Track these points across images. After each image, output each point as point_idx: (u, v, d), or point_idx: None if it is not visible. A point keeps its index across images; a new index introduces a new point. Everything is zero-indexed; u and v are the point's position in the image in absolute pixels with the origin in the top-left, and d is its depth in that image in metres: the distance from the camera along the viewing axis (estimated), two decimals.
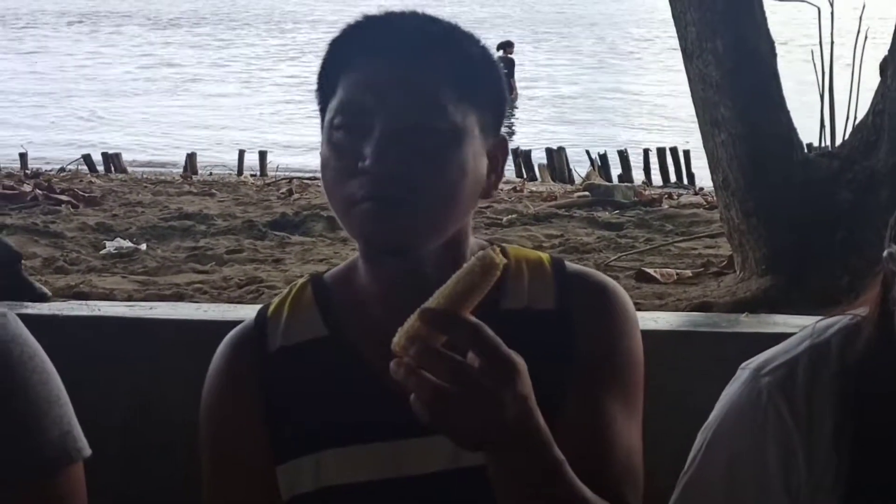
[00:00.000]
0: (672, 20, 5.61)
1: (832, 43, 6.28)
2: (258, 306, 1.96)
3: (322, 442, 1.72)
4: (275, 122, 22.73)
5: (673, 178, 14.70)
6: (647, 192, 9.96)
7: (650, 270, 6.22)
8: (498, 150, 1.80)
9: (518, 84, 25.13)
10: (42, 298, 2.96)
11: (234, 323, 1.94)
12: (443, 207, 1.69)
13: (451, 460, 1.64)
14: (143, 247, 6.63)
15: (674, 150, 14.33)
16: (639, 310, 2.04)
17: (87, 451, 1.83)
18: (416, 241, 1.69)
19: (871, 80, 6.05)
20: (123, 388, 2.33)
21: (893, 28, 5.54)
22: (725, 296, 5.52)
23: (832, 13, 6.23)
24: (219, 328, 2.01)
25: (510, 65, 25.91)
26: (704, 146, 5.75)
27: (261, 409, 1.77)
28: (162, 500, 2.29)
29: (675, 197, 10.61)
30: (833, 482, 1.64)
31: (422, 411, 1.41)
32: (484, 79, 1.76)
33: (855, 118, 6.13)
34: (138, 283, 5.87)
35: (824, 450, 1.64)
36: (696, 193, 11.45)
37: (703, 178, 13.88)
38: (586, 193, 8.74)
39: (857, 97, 6.30)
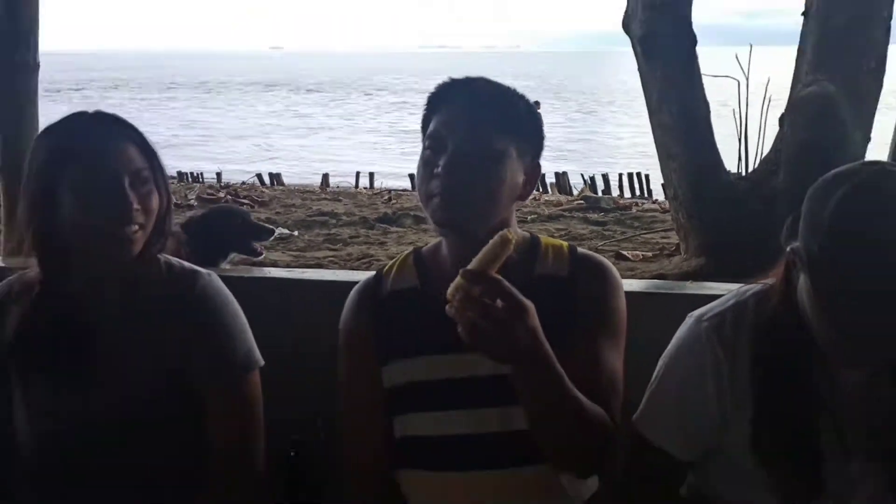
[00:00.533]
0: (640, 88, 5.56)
1: (747, 104, 6.24)
2: (371, 272, 1.98)
3: (410, 352, 1.76)
4: (377, 153, 22.77)
5: (637, 192, 14.58)
6: (621, 201, 9.82)
7: (625, 252, 6.18)
8: (532, 170, 1.79)
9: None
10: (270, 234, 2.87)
11: (354, 283, 1.97)
12: (486, 202, 1.71)
13: (493, 368, 1.61)
14: (296, 233, 6.64)
15: (639, 174, 14.19)
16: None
17: (262, 362, 1.86)
18: (468, 223, 1.71)
19: (771, 130, 6.03)
20: (284, 327, 2.30)
21: (788, 91, 5.55)
22: (675, 269, 5.47)
23: (747, 83, 6.17)
24: (345, 286, 2.02)
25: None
26: (662, 171, 5.71)
27: (375, 330, 1.82)
28: (304, 398, 2.25)
29: (640, 205, 10.51)
30: (748, 405, 1.64)
31: (465, 337, 1.44)
32: (523, 120, 1.77)
33: (760, 155, 6.05)
34: (293, 257, 5.91)
35: (744, 380, 1.64)
36: (653, 203, 11.32)
37: (658, 192, 13.95)
38: (582, 202, 8.65)
39: (762, 140, 6.24)
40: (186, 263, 1.89)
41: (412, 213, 7.24)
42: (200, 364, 1.77)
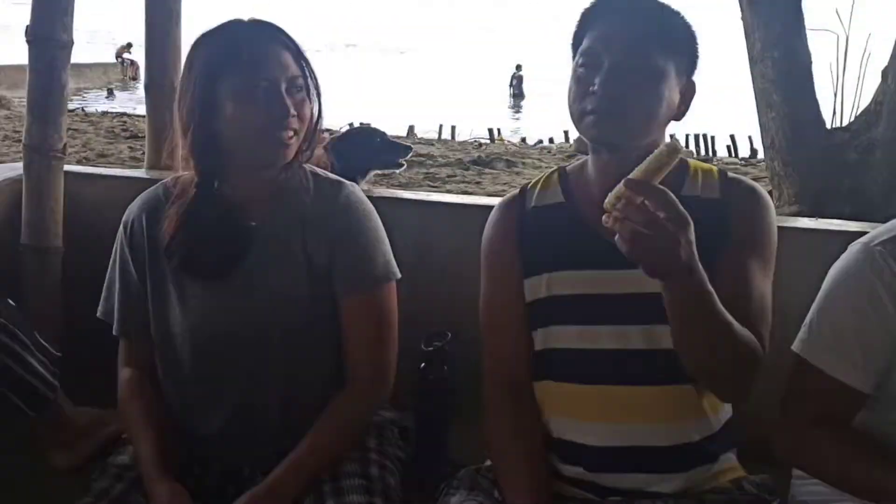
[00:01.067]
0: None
1: (845, 59, 6.17)
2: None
3: (554, 265, 1.70)
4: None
5: (703, 153, 14.67)
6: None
7: None
8: (688, 89, 1.69)
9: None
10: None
11: (480, 206, 2.03)
12: (643, 120, 1.63)
13: (638, 287, 1.53)
14: (400, 169, 6.79)
15: (704, 136, 14.26)
16: None
17: (399, 275, 1.84)
18: (623, 141, 1.63)
19: (869, 84, 5.99)
20: (408, 242, 2.20)
21: (893, 46, 5.50)
22: None
23: (847, 38, 6.10)
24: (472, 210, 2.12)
25: (520, 80, 27.89)
26: (759, 121, 5.75)
27: (518, 243, 1.76)
28: (432, 314, 2.25)
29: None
30: None
31: (624, 248, 1.37)
32: (681, 37, 1.68)
33: (856, 109, 6.02)
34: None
35: None
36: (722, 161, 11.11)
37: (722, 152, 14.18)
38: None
39: (860, 95, 6.19)
40: (331, 174, 1.92)
41: (504, 157, 7.33)
42: (343, 270, 1.78)
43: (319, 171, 1.89)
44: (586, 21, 1.68)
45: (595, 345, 1.67)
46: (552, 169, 1.88)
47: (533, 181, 1.83)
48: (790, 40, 5.39)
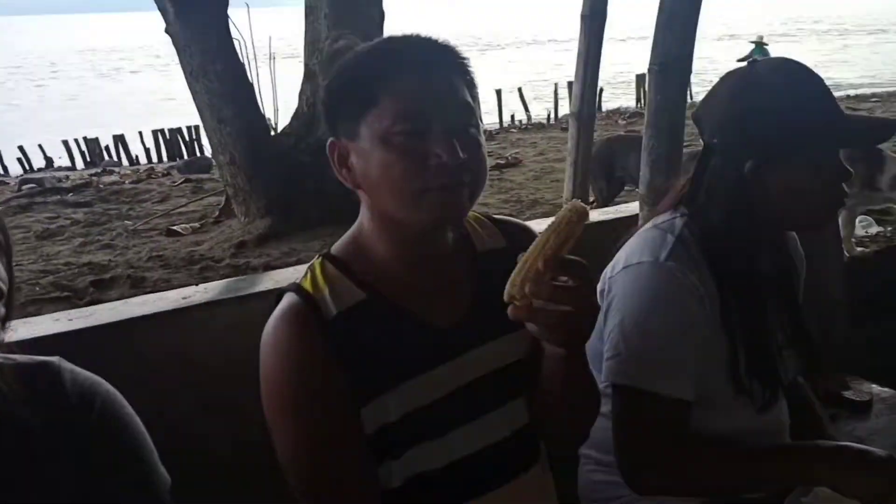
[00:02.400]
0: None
1: (256, 62, 6.13)
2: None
3: (397, 378, 1.39)
4: None
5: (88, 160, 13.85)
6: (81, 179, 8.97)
7: (176, 227, 5.82)
8: None
9: None
10: None
11: None
12: (482, 187, 1.42)
13: (492, 363, 1.44)
14: None
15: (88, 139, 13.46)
16: None
17: None
18: (465, 215, 1.41)
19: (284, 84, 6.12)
20: None
21: (305, 50, 5.67)
22: (245, 234, 5.35)
23: (252, 43, 6.05)
24: None
25: None
26: (211, 137, 5.50)
27: (335, 364, 1.37)
28: None
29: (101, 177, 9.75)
30: (719, 327, 1.66)
31: (545, 334, 1.25)
32: (476, 85, 1.46)
33: (276, 110, 6.10)
34: None
35: (711, 294, 1.64)
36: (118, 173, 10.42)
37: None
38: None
39: (275, 97, 6.25)
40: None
41: None
42: None
43: None
44: (378, 77, 1.34)
45: (464, 450, 1.44)
46: (315, 262, 1.46)
47: (307, 283, 1.42)
48: (228, 52, 5.19)
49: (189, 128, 14.64)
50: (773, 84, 1.63)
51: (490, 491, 1.46)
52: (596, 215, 2.81)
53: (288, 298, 1.37)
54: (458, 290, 1.42)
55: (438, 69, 1.34)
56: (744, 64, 1.72)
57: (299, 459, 1.36)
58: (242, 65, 5.31)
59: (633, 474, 1.63)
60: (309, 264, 1.44)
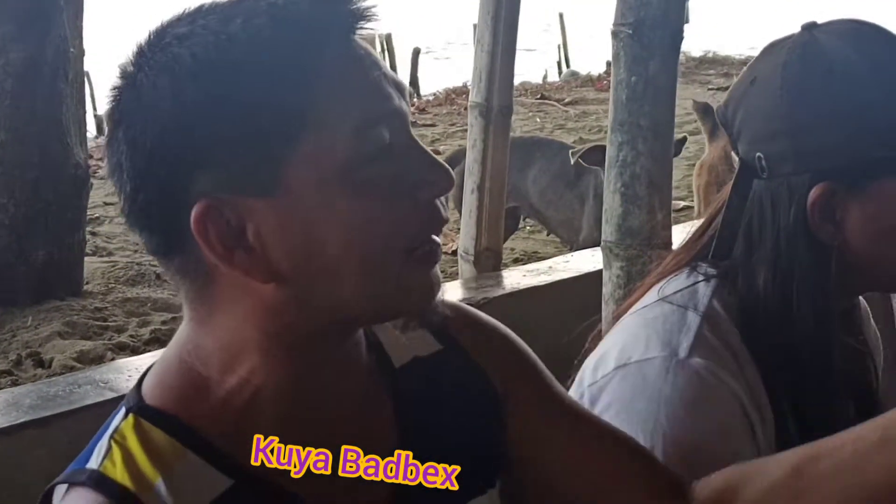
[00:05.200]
0: None
1: None
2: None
3: None
4: None
5: None
6: None
7: None
8: None
9: None
10: None
11: None
12: None
13: None
14: None
15: None
16: None
17: None
18: None
19: None
20: None
21: None
22: None
23: None
24: None
25: None
26: None
27: None
28: None
29: None
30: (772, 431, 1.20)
31: None
32: None
33: None
34: None
35: (759, 405, 1.16)
36: None
37: None
38: None
39: None
40: None
41: None
42: None
43: None
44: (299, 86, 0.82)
45: None
46: (125, 430, 0.82)
47: (118, 473, 0.80)
48: None
49: None
50: (847, 63, 1.09)
51: None
52: (517, 277, 2.09)
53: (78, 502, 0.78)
54: (376, 438, 0.90)
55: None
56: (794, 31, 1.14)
57: None
58: None
59: None
60: (107, 431, 0.82)
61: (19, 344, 4.07)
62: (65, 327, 4.17)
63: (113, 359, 3.61)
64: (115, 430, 0.80)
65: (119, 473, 0.78)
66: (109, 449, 0.79)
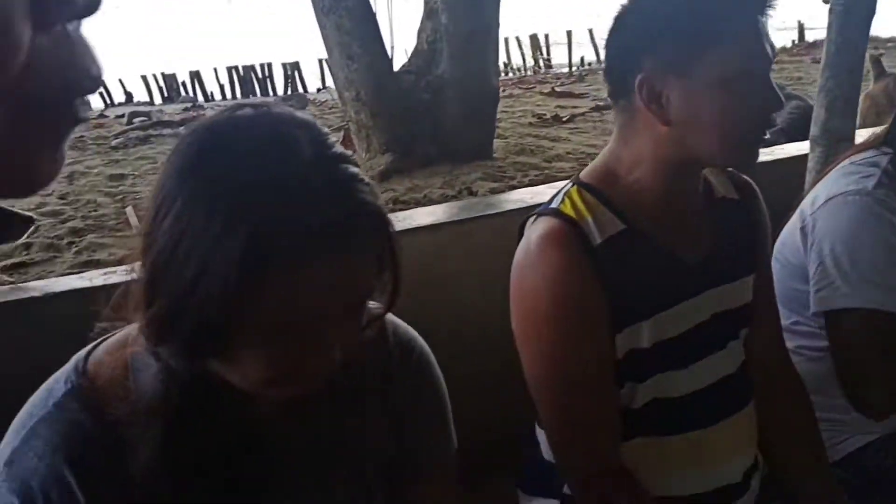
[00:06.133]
0: None
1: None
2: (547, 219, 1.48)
3: (652, 308, 1.44)
4: None
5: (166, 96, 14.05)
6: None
7: None
8: None
9: None
10: None
11: None
12: None
13: (719, 304, 1.51)
14: None
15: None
16: None
17: None
18: None
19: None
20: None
21: None
22: (368, 170, 5.43)
23: None
24: None
25: None
26: (336, 74, 5.59)
27: (601, 288, 1.40)
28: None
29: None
30: None
31: None
32: None
33: (393, 48, 6.13)
34: None
35: None
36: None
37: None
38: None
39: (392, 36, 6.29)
40: None
41: None
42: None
43: None
44: (722, 15, 1.35)
45: (699, 384, 1.50)
46: (566, 185, 1.50)
47: (567, 208, 1.44)
48: None
49: (262, 65, 14.76)
50: None
51: (715, 423, 1.52)
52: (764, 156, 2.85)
53: (548, 221, 1.41)
54: (699, 230, 1.49)
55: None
56: None
57: (552, 378, 1.42)
58: (368, 1, 5.36)
59: (863, 398, 1.68)
60: (563, 189, 1.48)
61: None
62: None
63: None
64: (566, 192, 1.46)
65: (569, 210, 1.42)
66: (562, 200, 1.44)
